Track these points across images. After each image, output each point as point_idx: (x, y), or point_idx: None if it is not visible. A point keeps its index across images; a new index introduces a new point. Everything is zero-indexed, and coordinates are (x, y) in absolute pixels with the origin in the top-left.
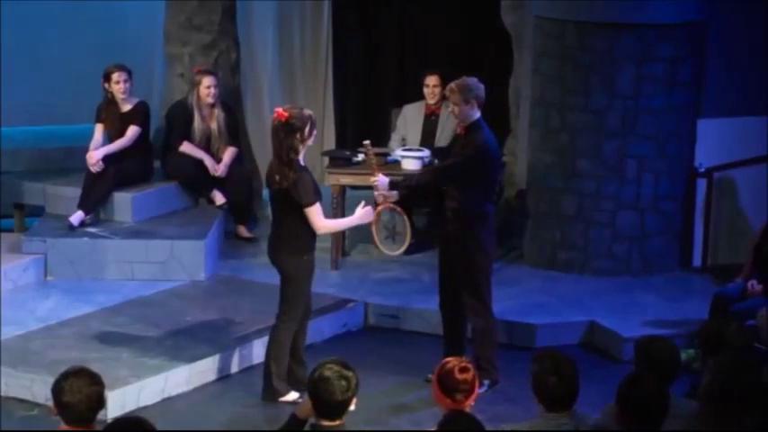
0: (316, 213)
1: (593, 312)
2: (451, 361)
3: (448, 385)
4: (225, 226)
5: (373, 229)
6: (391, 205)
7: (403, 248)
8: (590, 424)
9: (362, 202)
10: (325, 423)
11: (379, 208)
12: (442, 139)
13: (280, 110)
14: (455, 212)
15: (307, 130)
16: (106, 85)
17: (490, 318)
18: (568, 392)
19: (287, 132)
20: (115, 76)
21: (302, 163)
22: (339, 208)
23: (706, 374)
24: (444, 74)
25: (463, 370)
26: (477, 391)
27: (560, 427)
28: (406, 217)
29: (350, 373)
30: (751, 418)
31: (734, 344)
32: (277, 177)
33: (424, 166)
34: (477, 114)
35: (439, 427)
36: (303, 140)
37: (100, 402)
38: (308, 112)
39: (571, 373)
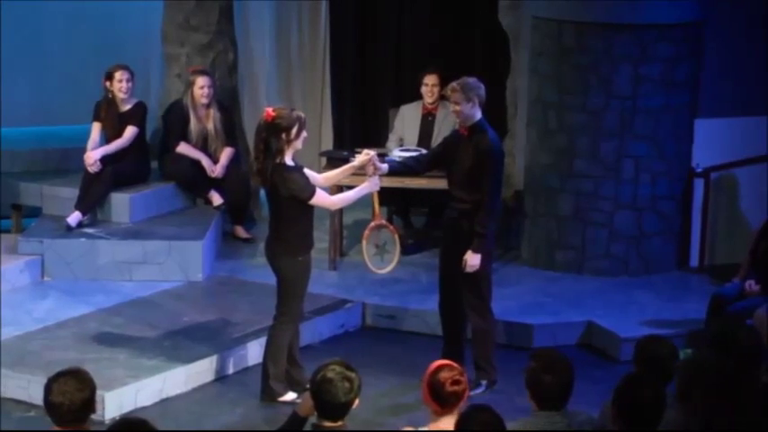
0: (321, 199)
1: (591, 312)
2: (444, 370)
3: (437, 394)
4: (222, 226)
5: (363, 243)
6: (384, 223)
7: (389, 268)
8: (581, 420)
9: (365, 151)
10: (328, 424)
11: (372, 224)
12: (439, 139)
13: (269, 109)
14: (464, 213)
15: (294, 131)
16: (108, 83)
17: (490, 317)
18: (561, 391)
19: (270, 132)
20: (118, 75)
21: (291, 163)
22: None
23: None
24: (443, 74)
25: (455, 383)
26: (469, 393)
27: (552, 426)
28: (397, 237)
29: (353, 375)
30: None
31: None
32: (258, 179)
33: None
34: (479, 114)
35: (458, 422)
36: (289, 141)
37: (86, 408)
38: (297, 113)
39: (565, 372)
